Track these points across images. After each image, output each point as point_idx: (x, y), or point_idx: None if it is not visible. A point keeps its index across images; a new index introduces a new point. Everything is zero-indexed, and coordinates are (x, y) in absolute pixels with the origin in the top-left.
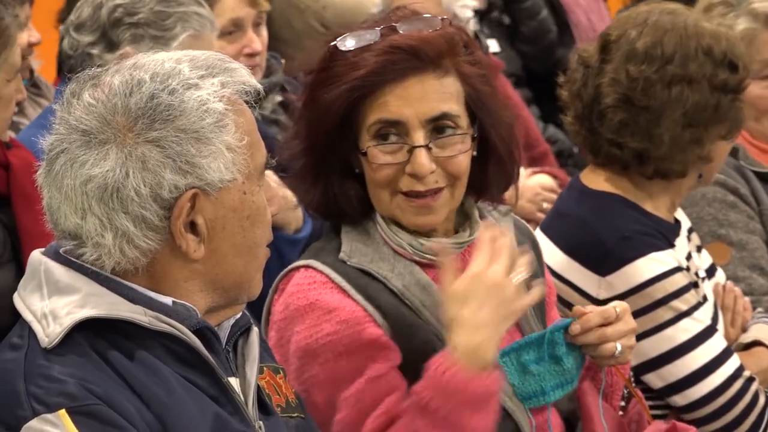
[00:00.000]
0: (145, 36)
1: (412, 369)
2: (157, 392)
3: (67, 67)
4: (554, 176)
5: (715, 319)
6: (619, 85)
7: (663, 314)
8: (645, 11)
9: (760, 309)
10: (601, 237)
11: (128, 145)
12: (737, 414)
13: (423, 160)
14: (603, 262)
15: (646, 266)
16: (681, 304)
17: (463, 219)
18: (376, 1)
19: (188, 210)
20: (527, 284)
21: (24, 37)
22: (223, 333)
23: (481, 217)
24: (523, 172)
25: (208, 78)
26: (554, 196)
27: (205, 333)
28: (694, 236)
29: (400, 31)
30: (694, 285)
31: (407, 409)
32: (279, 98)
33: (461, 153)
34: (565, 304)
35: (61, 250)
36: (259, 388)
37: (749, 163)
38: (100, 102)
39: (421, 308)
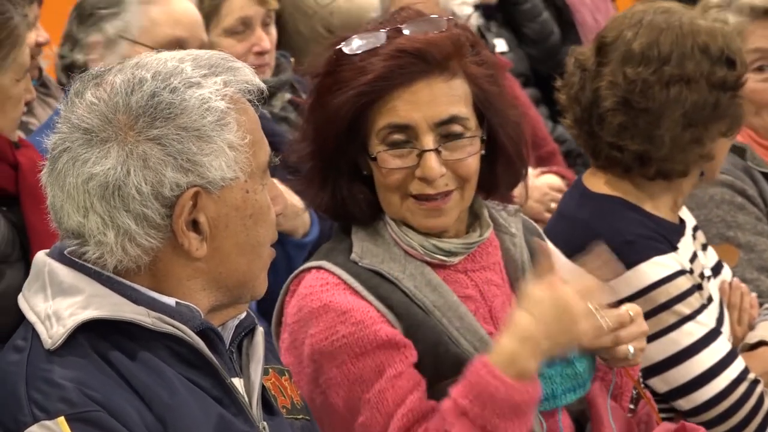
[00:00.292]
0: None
1: (423, 369)
2: (160, 393)
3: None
4: (562, 176)
5: (720, 319)
6: (617, 88)
7: (666, 318)
8: (640, 11)
9: (766, 305)
10: (603, 241)
11: (129, 143)
12: (742, 417)
13: (433, 164)
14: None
15: (649, 270)
16: (684, 308)
17: (473, 219)
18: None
19: (190, 208)
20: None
21: (32, 37)
22: (228, 333)
23: (491, 217)
24: (531, 172)
25: (211, 77)
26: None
27: (208, 334)
28: (700, 234)
29: (406, 33)
30: (698, 287)
31: (443, 413)
32: (288, 96)
33: (470, 155)
34: None
35: (65, 251)
36: (264, 389)
37: (757, 164)
38: (102, 101)
39: (433, 309)
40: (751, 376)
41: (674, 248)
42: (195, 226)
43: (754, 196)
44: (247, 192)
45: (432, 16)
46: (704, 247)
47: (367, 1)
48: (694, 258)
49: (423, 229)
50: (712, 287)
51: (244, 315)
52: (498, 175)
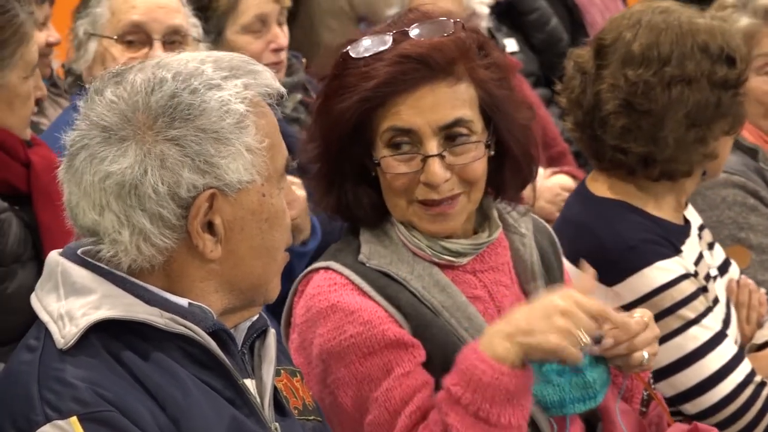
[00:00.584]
0: None
1: (432, 370)
2: (174, 394)
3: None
4: (573, 176)
5: (726, 321)
6: (619, 91)
7: (671, 323)
8: (638, 11)
9: None
10: (607, 246)
11: (147, 143)
12: (749, 420)
13: (436, 169)
14: (609, 271)
15: (653, 275)
16: (689, 312)
17: (482, 219)
18: None
19: (206, 210)
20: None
21: (42, 37)
22: (240, 334)
23: (500, 217)
24: (543, 172)
25: (231, 79)
26: None
27: (220, 335)
28: (706, 233)
29: (412, 36)
30: (703, 290)
31: (438, 402)
32: (300, 96)
33: (476, 159)
34: None
35: (79, 251)
36: (276, 390)
37: None
38: (122, 99)
39: (441, 309)
40: (758, 378)
41: (678, 251)
42: (210, 227)
43: (766, 198)
44: (263, 195)
45: (440, 18)
46: (711, 246)
47: None
48: (699, 259)
49: (429, 233)
50: (718, 287)
51: (256, 317)
52: (506, 177)
